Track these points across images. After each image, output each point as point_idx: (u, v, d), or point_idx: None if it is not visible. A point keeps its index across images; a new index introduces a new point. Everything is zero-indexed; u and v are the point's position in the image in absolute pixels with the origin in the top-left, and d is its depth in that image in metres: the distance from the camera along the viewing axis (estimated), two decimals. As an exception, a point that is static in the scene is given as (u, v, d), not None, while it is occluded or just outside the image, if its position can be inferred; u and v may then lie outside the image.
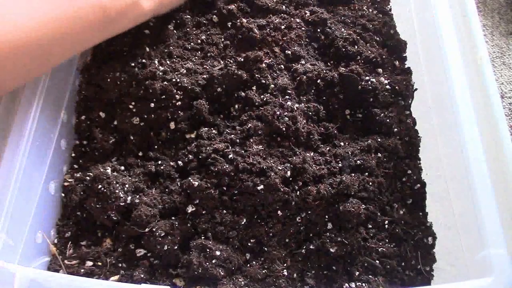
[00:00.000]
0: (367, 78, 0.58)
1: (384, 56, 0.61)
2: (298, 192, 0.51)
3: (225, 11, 0.63)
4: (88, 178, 0.52)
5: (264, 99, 0.56)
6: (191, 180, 0.50)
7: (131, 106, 0.56)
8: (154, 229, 0.49)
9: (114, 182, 0.51)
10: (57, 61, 0.49)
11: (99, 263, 0.49)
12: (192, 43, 0.61)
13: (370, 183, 0.53)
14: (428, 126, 0.58)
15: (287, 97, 0.57)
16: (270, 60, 0.58)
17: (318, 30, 0.63)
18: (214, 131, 0.54)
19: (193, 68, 0.58)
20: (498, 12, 0.83)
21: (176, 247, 0.49)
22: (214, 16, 0.63)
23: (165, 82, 0.55)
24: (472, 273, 0.46)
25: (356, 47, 0.61)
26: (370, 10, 0.68)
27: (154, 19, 0.63)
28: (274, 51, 0.59)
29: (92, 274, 0.48)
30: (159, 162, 0.54)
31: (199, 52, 0.60)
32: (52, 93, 0.51)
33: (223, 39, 0.61)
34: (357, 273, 0.50)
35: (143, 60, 0.57)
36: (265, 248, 0.50)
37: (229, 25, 0.62)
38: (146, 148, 0.55)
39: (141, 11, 0.53)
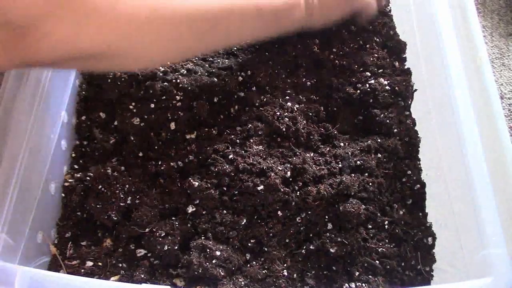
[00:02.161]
0: (367, 79, 0.58)
1: (384, 57, 0.62)
2: (298, 192, 0.52)
3: None
4: (88, 178, 0.52)
5: (264, 100, 0.56)
6: (191, 181, 0.50)
7: (131, 107, 0.56)
8: (154, 229, 0.49)
9: (115, 182, 0.51)
10: (208, 48, 0.54)
11: (100, 263, 0.49)
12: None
13: (370, 184, 0.53)
14: (428, 127, 0.58)
15: (287, 97, 0.57)
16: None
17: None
18: (214, 131, 0.55)
19: (193, 69, 0.58)
20: (498, 13, 0.83)
21: (176, 247, 0.49)
22: None
23: (165, 83, 0.56)
24: (472, 273, 0.46)
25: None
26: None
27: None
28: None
29: (93, 274, 0.48)
30: (159, 162, 0.54)
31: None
32: (52, 93, 0.51)
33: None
34: (357, 273, 0.50)
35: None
36: (265, 248, 0.50)
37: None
38: (146, 149, 0.55)
39: (294, 19, 0.53)
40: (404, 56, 0.64)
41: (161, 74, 0.56)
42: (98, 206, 0.50)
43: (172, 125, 0.55)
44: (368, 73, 0.60)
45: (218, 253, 0.48)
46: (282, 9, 0.51)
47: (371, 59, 0.61)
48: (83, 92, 0.57)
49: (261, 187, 0.50)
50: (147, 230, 0.49)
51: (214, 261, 0.47)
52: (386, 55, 0.62)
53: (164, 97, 0.55)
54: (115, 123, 0.56)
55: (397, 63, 0.62)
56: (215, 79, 0.57)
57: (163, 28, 0.43)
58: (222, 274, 0.47)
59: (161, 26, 0.43)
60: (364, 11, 0.59)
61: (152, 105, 0.55)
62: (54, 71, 0.51)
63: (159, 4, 0.42)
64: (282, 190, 0.50)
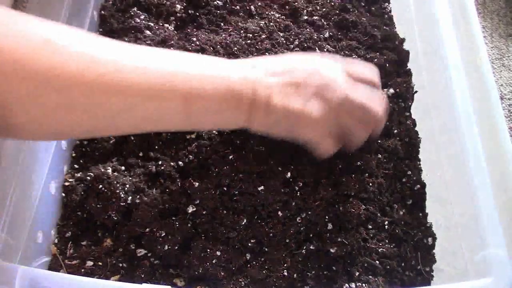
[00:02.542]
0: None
1: (385, 58, 0.62)
2: (298, 192, 0.52)
3: (222, 14, 0.63)
4: (88, 178, 0.52)
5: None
6: (192, 181, 0.50)
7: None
8: (154, 229, 0.49)
9: (115, 182, 0.51)
10: (119, 131, 0.44)
11: (100, 263, 0.49)
12: (193, 44, 0.61)
13: (370, 184, 0.53)
14: (428, 127, 0.58)
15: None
16: None
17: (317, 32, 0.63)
18: (215, 131, 0.55)
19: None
20: (498, 14, 0.83)
21: (176, 247, 0.49)
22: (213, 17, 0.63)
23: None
24: (472, 274, 0.46)
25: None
26: (370, 11, 0.68)
27: (154, 20, 0.63)
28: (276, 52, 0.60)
29: (93, 274, 0.48)
30: (160, 162, 0.54)
31: (200, 53, 0.60)
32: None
33: (224, 40, 0.62)
34: (357, 274, 0.50)
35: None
36: (265, 249, 0.50)
37: (229, 27, 0.63)
38: (146, 148, 0.55)
39: (229, 122, 0.45)
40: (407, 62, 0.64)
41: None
42: (98, 206, 0.50)
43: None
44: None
45: (218, 253, 0.48)
46: (214, 110, 0.42)
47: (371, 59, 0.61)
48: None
49: (262, 187, 0.50)
50: (147, 230, 0.49)
51: (214, 261, 0.47)
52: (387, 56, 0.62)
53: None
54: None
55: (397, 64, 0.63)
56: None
57: (69, 97, 0.35)
58: (223, 274, 0.47)
59: (68, 94, 0.35)
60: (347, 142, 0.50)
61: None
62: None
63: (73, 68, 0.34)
64: (282, 190, 0.50)
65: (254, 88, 0.42)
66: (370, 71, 0.50)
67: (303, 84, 0.44)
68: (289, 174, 0.51)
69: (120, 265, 0.49)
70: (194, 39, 0.61)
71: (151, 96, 0.38)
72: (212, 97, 0.40)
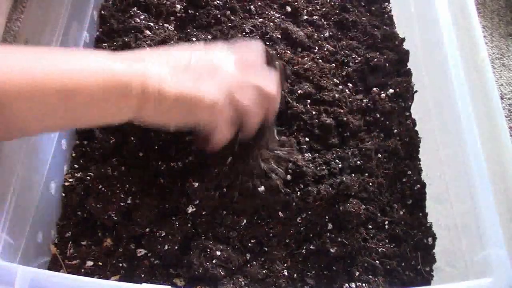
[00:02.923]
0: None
1: (385, 58, 0.62)
2: (298, 193, 0.52)
3: (222, 13, 0.63)
4: (88, 178, 0.52)
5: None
6: (191, 181, 0.50)
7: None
8: (154, 229, 0.49)
9: (115, 182, 0.51)
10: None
11: (100, 263, 0.49)
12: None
13: (370, 184, 0.53)
14: (428, 127, 0.58)
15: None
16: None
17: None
18: None
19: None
20: (498, 13, 0.83)
21: (176, 247, 0.49)
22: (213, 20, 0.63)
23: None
24: (472, 274, 0.46)
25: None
26: (370, 11, 0.68)
27: (154, 20, 0.63)
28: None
29: (93, 274, 0.48)
30: (159, 162, 0.54)
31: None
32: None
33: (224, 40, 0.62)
34: (357, 274, 0.50)
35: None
36: (266, 249, 0.50)
37: (229, 27, 0.63)
38: (146, 149, 0.55)
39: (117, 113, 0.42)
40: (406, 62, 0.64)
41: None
42: (98, 206, 0.50)
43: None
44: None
45: (218, 253, 0.48)
46: (96, 103, 0.40)
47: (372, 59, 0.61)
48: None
49: (262, 188, 0.50)
50: (147, 230, 0.49)
51: (214, 261, 0.47)
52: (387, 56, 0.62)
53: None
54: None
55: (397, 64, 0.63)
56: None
57: None
58: (223, 274, 0.47)
59: None
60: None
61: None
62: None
63: None
64: (283, 191, 0.50)
65: (143, 79, 0.41)
66: (255, 53, 0.50)
67: (195, 69, 0.44)
68: (289, 177, 0.51)
69: (120, 265, 0.49)
70: (194, 39, 0.61)
71: (25, 93, 0.36)
72: (93, 90, 0.39)
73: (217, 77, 0.45)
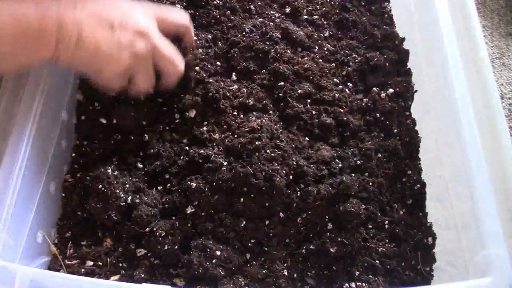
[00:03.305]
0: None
1: (385, 57, 0.62)
2: (298, 193, 0.52)
3: (222, 13, 0.63)
4: (88, 178, 0.52)
5: (264, 102, 0.56)
6: (189, 182, 0.50)
7: (131, 107, 0.56)
8: (154, 229, 0.49)
9: (115, 182, 0.51)
10: None
11: (100, 263, 0.49)
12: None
13: (370, 183, 0.53)
14: (428, 127, 0.58)
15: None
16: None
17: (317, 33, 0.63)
18: (215, 135, 0.54)
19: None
20: (498, 13, 0.83)
21: (176, 247, 0.49)
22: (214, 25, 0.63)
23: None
24: (472, 273, 0.46)
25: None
26: (370, 11, 0.68)
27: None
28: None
29: (93, 274, 0.48)
30: (159, 162, 0.54)
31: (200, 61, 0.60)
32: (52, 93, 0.51)
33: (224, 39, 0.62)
34: (357, 273, 0.50)
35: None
36: (265, 248, 0.50)
37: (229, 27, 0.63)
38: (146, 149, 0.55)
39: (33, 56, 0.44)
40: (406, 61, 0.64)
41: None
42: (98, 206, 0.50)
43: (173, 125, 0.55)
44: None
45: (218, 252, 0.48)
46: (9, 46, 0.42)
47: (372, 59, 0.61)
48: (83, 92, 0.57)
49: (263, 189, 0.50)
50: (147, 230, 0.49)
51: (214, 261, 0.47)
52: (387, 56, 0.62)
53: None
54: (115, 122, 0.56)
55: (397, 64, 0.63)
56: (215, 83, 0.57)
57: None
58: (223, 274, 0.47)
59: None
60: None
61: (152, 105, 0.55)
62: (54, 70, 0.51)
63: None
64: (284, 192, 0.50)
65: (60, 23, 0.42)
66: (181, 24, 0.54)
67: (118, 26, 0.46)
68: (290, 177, 0.52)
69: (120, 265, 0.49)
70: (195, 38, 0.61)
71: None
72: (5, 34, 0.41)
73: (139, 40, 0.47)
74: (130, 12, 0.48)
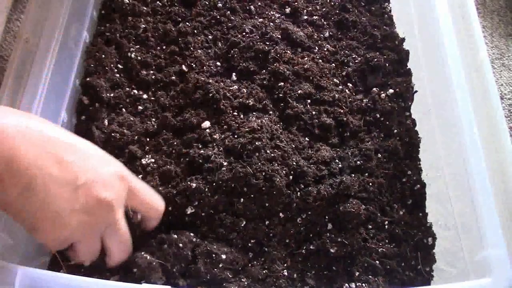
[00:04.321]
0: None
1: (385, 58, 0.62)
2: (298, 193, 0.52)
3: (222, 14, 0.63)
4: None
5: (264, 103, 0.56)
6: (189, 182, 0.50)
7: (130, 108, 0.56)
8: (153, 232, 0.49)
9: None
10: None
11: (100, 263, 0.49)
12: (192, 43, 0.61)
13: (370, 184, 0.54)
14: (428, 127, 0.58)
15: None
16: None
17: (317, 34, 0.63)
18: (215, 135, 0.54)
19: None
20: (498, 13, 0.83)
21: (178, 251, 0.48)
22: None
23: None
24: (472, 274, 0.46)
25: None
26: (370, 11, 0.68)
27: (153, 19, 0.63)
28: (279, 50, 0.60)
29: (93, 274, 0.48)
30: (159, 162, 0.54)
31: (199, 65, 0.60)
32: (52, 93, 0.51)
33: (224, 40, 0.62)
34: (357, 274, 0.50)
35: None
36: (265, 249, 0.50)
37: (229, 30, 0.63)
38: (146, 150, 0.55)
39: None
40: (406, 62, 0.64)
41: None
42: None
43: (171, 127, 0.55)
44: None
45: (224, 256, 0.47)
46: None
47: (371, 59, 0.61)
48: (84, 92, 0.57)
49: (263, 189, 0.50)
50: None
51: (221, 265, 0.47)
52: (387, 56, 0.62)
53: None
54: (115, 123, 0.56)
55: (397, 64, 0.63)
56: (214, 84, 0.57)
57: None
58: (230, 276, 0.47)
59: None
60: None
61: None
62: (54, 70, 0.51)
63: None
64: (284, 193, 0.50)
65: (12, 155, 0.35)
66: (155, 207, 0.46)
67: (82, 187, 0.38)
68: (290, 178, 0.52)
69: (120, 264, 0.49)
70: (195, 39, 0.61)
71: None
72: None
73: (93, 216, 0.40)
74: (103, 175, 0.40)
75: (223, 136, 0.54)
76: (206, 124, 0.54)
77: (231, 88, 0.57)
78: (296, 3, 0.66)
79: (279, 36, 0.62)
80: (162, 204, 0.47)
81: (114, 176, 0.41)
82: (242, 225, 0.50)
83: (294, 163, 0.52)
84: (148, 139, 0.56)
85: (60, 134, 0.39)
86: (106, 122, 0.56)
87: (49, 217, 0.37)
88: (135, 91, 0.58)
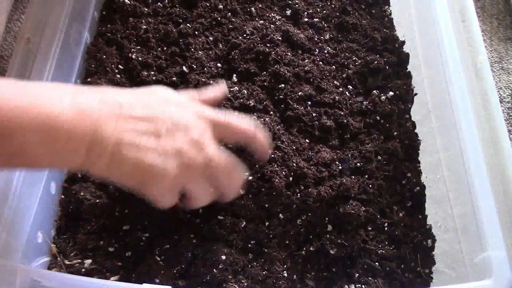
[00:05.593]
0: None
1: (385, 60, 0.62)
2: (298, 194, 0.52)
3: (223, 15, 0.63)
4: (89, 178, 0.52)
5: (264, 104, 0.56)
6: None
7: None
8: (151, 233, 0.49)
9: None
10: None
11: (100, 263, 0.49)
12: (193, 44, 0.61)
13: (370, 186, 0.54)
14: (428, 130, 0.58)
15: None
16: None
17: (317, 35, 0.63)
18: None
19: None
20: (497, 17, 0.84)
21: (177, 248, 0.49)
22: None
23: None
24: (471, 276, 0.46)
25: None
26: (370, 14, 0.68)
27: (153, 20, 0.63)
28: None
29: (93, 274, 0.48)
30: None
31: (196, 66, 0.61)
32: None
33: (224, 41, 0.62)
34: (356, 275, 0.50)
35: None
36: (265, 250, 0.50)
37: (230, 32, 0.63)
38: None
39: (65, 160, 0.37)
40: (406, 64, 0.64)
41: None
42: (98, 206, 0.50)
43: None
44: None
45: (223, 257, 0.47)
46: (34, 148, 0.35)
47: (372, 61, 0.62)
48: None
49: (263, 190, 0.50)
50: (146, 234, 0.49)
51: (221, 266, 0.47)
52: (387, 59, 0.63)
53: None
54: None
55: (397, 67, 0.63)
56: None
57: None
58: (230, 277, 0.47)
59: None
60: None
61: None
62: (54, 70, 0.51)
63: None
64: (284, 194, 0.50)
65: (95, 128, 0.36)
66: (244, 132, 0.45)
67: (165, 137, 0.39)
68: (290, 179, 0.52)
69: (120, 264, 0.49)
70: (195, 39, 0.61)
71: None
72: (30, 132, 0.34)
73: (190, 152, 0.40)
74: (181, 116, 0.41)
75: None
76: None
77: (231, 89, 0.57)
78: (296, 6, 0.66)
79: (280, 38, 0.62)
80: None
81: (193, 116, 0.42)
82: (242, 226, 0.50)
83: (294, 165, 0.52)
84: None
85: (131, 96, 0.40)
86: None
87: (148, 172, 0.38)
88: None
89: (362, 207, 0.52)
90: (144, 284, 0.40)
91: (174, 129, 0.40)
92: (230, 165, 0.44)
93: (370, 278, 0.50)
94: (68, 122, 0.35)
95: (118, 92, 0.41)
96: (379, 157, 0.56)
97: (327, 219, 0.52)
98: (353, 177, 0.54)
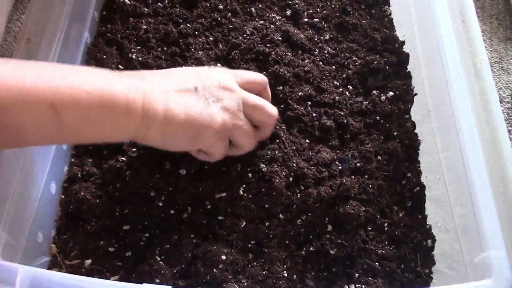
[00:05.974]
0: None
1: (385, 60, 0.62)
2: (298, 194, 0.52)
3: (223, 15, 0.63)
4: (89, 178, 0.52)
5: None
6: (187, 184, 0.51)
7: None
8: (151, 233, 0.49)
9: (115, 182, 0.50)
10: None
11: (100, 263, 0.49)
12: (193, 45, 0.61)
13: (370, 186, 0.54)
14: (428, 130, 0.58)
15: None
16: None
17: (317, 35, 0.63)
18: None
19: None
20: (497, 17, 0.84)
21: (177, 248, 0.49)
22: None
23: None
24: (471, 276, 0.46)
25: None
26: (370, 14, 0.68)
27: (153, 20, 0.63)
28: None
29: (93, 274, 0.48)
30: (159, 163, 0.54)
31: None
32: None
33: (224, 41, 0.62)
34: (356, 275, 0.50)
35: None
36: (265, 250, 0.50)
37: (230, 32, 0.63)
38: (146, 148, 0.55)
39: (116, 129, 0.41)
40: (406, 65, 0.64)
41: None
42: (98, 206, 0.50)
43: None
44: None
45: (223, 257, 0.47)
46: (93, 120, 0.39)
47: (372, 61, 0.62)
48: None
49: (263, 190, 0.50)
50: (147, 234, 0.49)
51: (221, 266, 0.47)
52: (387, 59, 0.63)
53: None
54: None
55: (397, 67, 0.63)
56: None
57: None
58: (230, 277, 0.47)
59: None
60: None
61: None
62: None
63: None
64: (284, 194, 0.50)
65: (144, 97, 0.40)
66: (259, 82, 0.51)
67: (201, 89, 0.45)
68: (290, 179, 0.52)
69: (120, 264, 0.49)
70: (195, 40, 0.61)
71: (19, 102, 0.35)
72: (88, 106, 0.38)
73: (224, 96, 0.45)
74: (209, 72, 0.47)
75: None
76: None
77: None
78: (296, 6, 0.66)
79: (280, 38, 0.62)
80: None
81: (220, 72, 0.48)
82: (242, 226, 0.50)
83: (294, 165, 0.53)
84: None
85: (160, 72, 0.47)
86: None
87: (198, 123, 0.43)
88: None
89: (362, 207, 0.52)
90: (144, 284, 0.40)
91: (208, 82, 0.45)
92: (262, 102, 0.49)
93: (370, 278, 0.50)
94: (125, 93, 0.39)
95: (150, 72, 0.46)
96: (379, 157, 0.56)
97: (327, 219, 0.52)
98: (353, 177, 0.54)
